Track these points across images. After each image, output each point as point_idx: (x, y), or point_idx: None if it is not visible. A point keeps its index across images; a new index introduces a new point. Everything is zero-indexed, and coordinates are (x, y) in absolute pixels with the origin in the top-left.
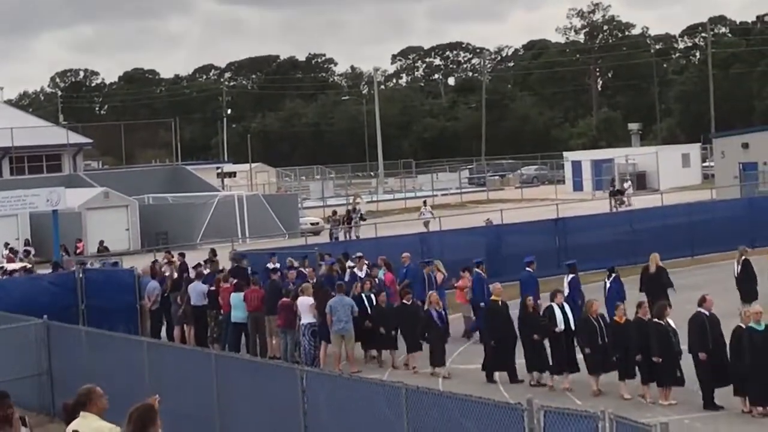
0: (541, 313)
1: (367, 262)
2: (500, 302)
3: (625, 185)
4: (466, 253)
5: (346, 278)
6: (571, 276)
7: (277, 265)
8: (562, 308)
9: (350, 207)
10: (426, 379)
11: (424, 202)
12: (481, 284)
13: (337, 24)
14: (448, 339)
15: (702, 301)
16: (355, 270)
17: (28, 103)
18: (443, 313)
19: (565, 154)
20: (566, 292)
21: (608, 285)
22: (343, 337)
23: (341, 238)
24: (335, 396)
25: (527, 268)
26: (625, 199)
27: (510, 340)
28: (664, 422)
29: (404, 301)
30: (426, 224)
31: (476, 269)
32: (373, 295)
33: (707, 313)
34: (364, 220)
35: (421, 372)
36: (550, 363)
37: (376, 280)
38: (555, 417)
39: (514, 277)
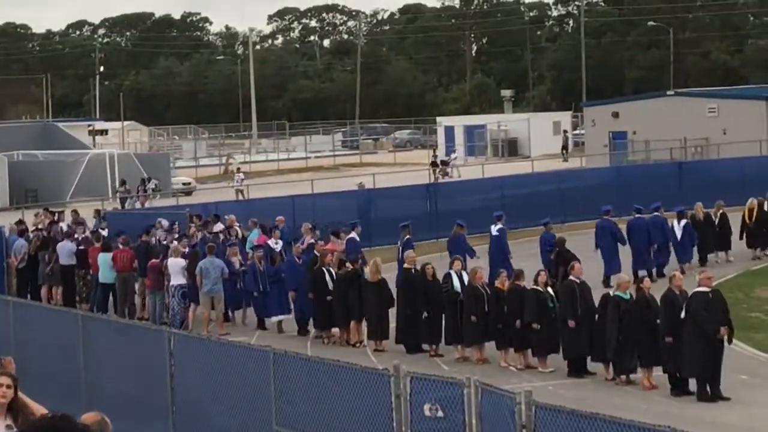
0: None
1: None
2: (413, 270)
3: (452, 155)
4: (339, 216)
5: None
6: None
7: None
8: (459, 276)
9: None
10: (296, 342)
11: (238, 168)
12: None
13: None
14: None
15: (571, 269)
16: (306, 239)
17: None
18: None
19: (438, 119)
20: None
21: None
22: (213, 299)
23: (135, 206)
24: (203, 359)
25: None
26: (449, 170)
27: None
28: (528, 390)
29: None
30: (239, 192)
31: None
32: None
33: (577, 280)
34: (158, 191)
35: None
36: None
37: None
38: (421, 383)
39: (386, 241)
